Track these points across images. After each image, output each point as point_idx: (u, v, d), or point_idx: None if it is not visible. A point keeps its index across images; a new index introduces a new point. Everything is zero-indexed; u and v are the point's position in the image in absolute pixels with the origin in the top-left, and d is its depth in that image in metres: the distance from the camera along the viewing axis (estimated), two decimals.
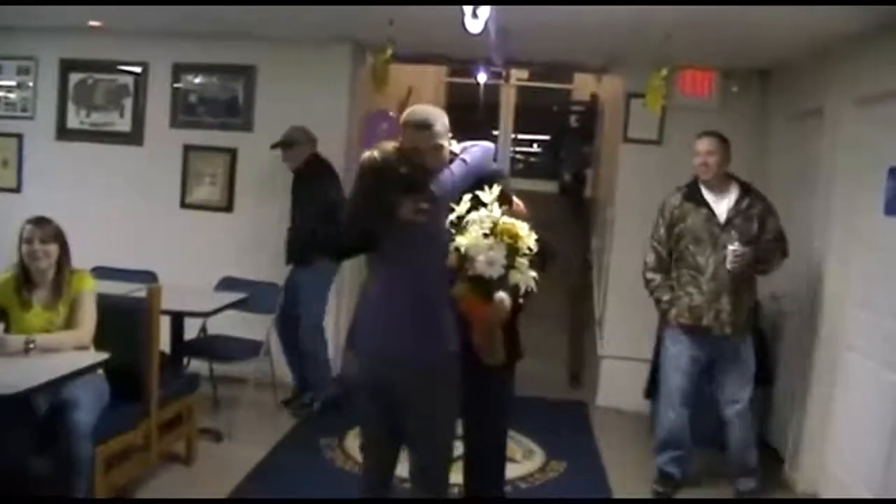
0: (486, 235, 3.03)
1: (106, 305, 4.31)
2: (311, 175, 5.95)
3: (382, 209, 3.15)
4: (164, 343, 4.82)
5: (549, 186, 12.13)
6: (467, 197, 3.11)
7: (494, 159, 3.59)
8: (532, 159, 13.73)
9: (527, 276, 3.09)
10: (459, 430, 3.58)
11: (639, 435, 6.17)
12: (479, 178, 3.24)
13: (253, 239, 6.59)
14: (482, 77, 8.03)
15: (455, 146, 3.43)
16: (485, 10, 4.10)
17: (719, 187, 4.83)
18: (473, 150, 3.40)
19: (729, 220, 4.72)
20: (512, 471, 5.09)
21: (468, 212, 3.09)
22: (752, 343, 4.86)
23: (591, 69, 7.20)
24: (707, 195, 4.82)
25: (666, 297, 4.89)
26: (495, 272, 3.03)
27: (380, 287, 3.32)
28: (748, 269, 4.66)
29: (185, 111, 6.74)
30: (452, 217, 3.09)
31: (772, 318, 5.92)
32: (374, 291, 3.34)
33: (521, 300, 3.20)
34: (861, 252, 4.75)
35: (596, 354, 6.95)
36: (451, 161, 3.33)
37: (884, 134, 4.58)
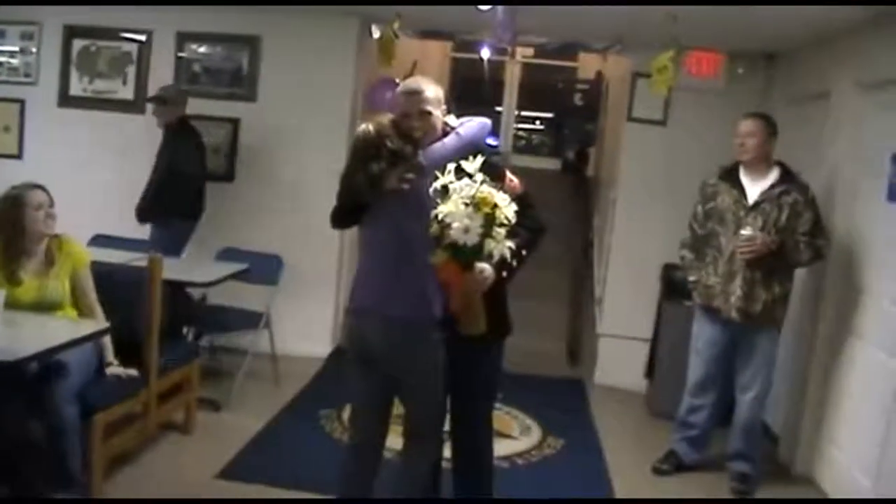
0: (466, 205, 3.06)
1: (107, 274, 4.32)
2: (174, 136, 6.06)
3: (370, 179, 3.20)
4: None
5: (552, 164, 12.11)
6: (452, 166, 3.17)
7: (495, 135, 3.60)
8: (535, 136, 13.70)
9: (502, 246, 3.12)
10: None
11: (636, 413, 6.22)
12: (473, 153, 3.25)
13: (254, 209, 6.59)
14: (486, 53, 8.01)
15: (453, 120, 3.48)
16: None
17: (759, 170, 4.66)
18: (468, 124, 3.44)
19: (757, 204, 4.57)
20: (509, 447, 5.13)
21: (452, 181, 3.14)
22: (774, 335, 4.72)
23: (598, 49, 7.18)
24: (743, 177, 4.69)
25: (693, 278, 4.87)
26: (470, 240, 3.07)
27: (368, 254, 3.43)
28: (767, 257, 4.49)
29: (188, 80, 6.70)
30: (437, 185, 3.13)
31: None
32: (364, 258, 3.46)
33: (504, 273, 3.24)
34: (863, 237, 4.75)
35: (594, 332, 6.97)
36: (446, 134, 3.38)
37: (888, 120, 4.57)
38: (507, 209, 3.12)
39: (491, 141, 3.53)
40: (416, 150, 3.23)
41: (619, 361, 6.68)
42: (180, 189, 5.96)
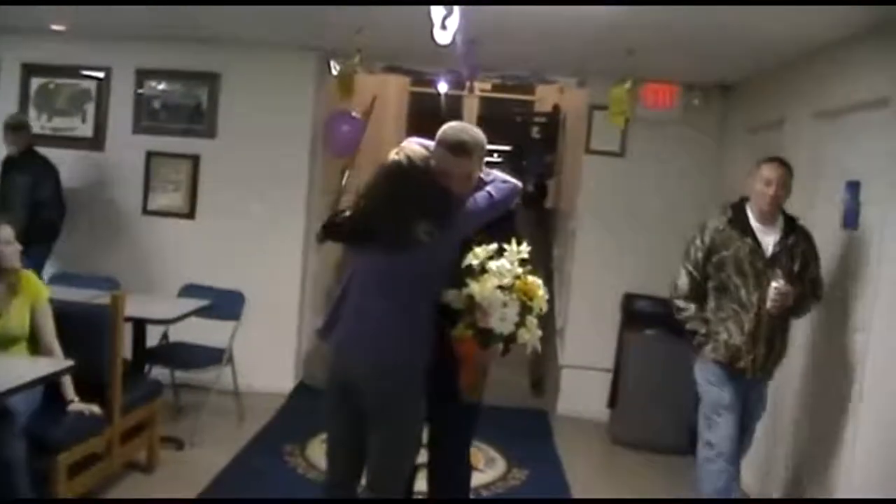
0: (501, 288, 3.04)
1: (69, 312, 4.31)
2: (27, 164, 6.24)
3: (396, 220, 3.07)
4: (126, 350, 4.79)
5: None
6: (493, 247, 3.11)
7: None
8: (494, 169, 13.80)
9: (534, 336, 3.13)
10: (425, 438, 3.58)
11: (599, 442, 6.26)
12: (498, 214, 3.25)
13: (216, 245, 6.57)
14: (443, 87, 8.08)
15: (484, 172, 3.34)
16: (454, 22, 4.11)
17: (769, 219, 4.30)
18: (502, 187, 3.31)
19: (774, 256, 4.24)
20: (475, 479, 5.04)
21: (489, 257, 3.09)
22: (768, 384, 4.46)
23: (556, 82, 7.27)
24: (754, 224, 4.30)
25: (702, 331, 4.36)
26: (506, 329, 3.06)
27: (365, 289, 3.26)
28: (786, 311, 4.22)
29: (148, 117, 6.69)
30: (473, 262, 3.09)
31: None
32: (357, 291, 3.29)
33: (510, 347, 3.20)
34: (821, 264, 4.81)
35: (557, 363, 7.01)
36: (478, 187, 3.26)
37: (842, 147, 4.67)
38: (543, 299, 3.12)
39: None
40: (449, 206, 3.12)
41: (581, 392, 6.71)
42: (41, 214, 6.10)
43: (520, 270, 3.09)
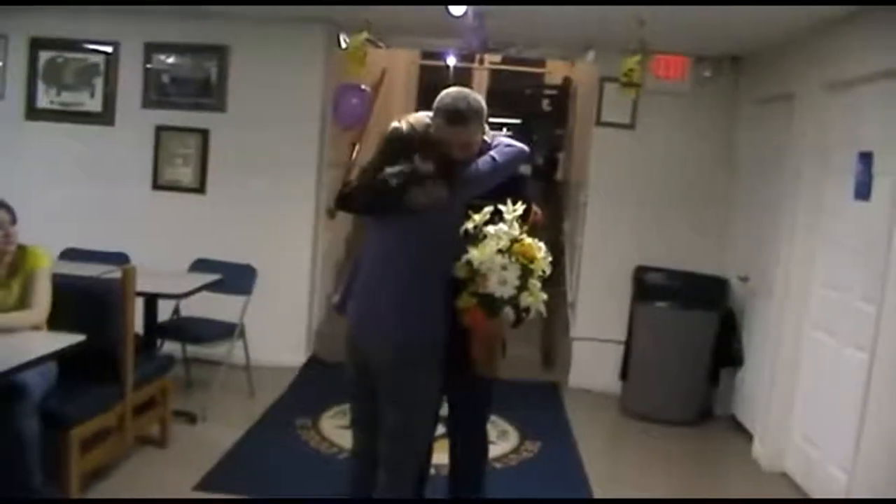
0: (500, 252, 2.97)
1: (78, 287, 4.32)
2: None
3: (396, 188, 3.06)
4: (138, 325, 4.79)
5: (522, 169, 12.12)
6: (488, 209, 3.03)
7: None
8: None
9: (538, 300, 3.04)
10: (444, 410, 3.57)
11: (611, 414, 6.26)
12: (504, 180, 3.19)
13: (226, 220, 6.57)
14: (452, 60, 8.04)
15: (488, 135, 3.30)
16: None
17: None
18: (507, 151, 3.27)
19: None
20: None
21: (486, 223, 3.02)
22: None
23: (566, 56, 7.21)
24: None
25: None
26: (507, 292, 2.99)
27: (377, 261, 3.25)
28: None
29: (157, 91, 6.66)
30: (469, 226, 3.03)
31: (741, 299, 6.02)
32: (370, 264, 3.28)
33: (523, 316, 3.14)
34: (830, 235, 4.81)
35: (568, 336, 7.00)
36: (482, 151, 3.23)
37: (854, 119, 4.63)
38: (544, 261, 3.04)
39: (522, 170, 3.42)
40: (450, 171, 3.09)
41: (593, 364, 6.70)
42: None
43: (517, 232, 3.02)
